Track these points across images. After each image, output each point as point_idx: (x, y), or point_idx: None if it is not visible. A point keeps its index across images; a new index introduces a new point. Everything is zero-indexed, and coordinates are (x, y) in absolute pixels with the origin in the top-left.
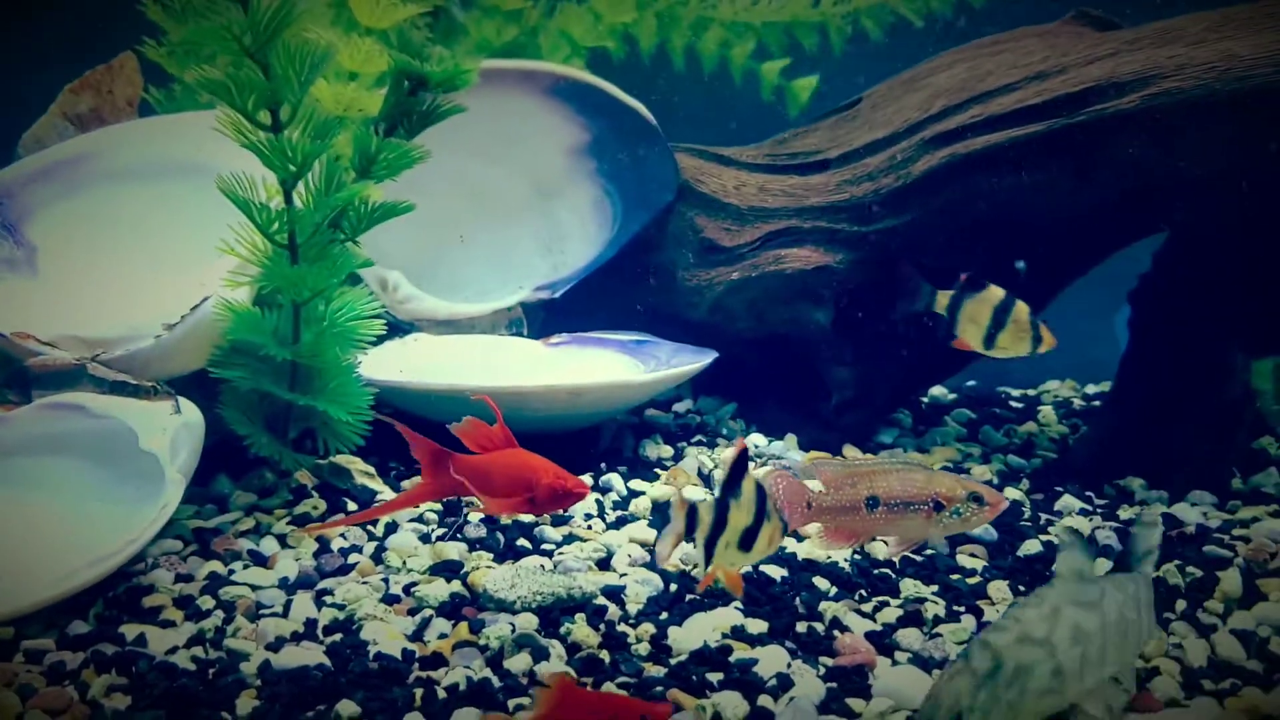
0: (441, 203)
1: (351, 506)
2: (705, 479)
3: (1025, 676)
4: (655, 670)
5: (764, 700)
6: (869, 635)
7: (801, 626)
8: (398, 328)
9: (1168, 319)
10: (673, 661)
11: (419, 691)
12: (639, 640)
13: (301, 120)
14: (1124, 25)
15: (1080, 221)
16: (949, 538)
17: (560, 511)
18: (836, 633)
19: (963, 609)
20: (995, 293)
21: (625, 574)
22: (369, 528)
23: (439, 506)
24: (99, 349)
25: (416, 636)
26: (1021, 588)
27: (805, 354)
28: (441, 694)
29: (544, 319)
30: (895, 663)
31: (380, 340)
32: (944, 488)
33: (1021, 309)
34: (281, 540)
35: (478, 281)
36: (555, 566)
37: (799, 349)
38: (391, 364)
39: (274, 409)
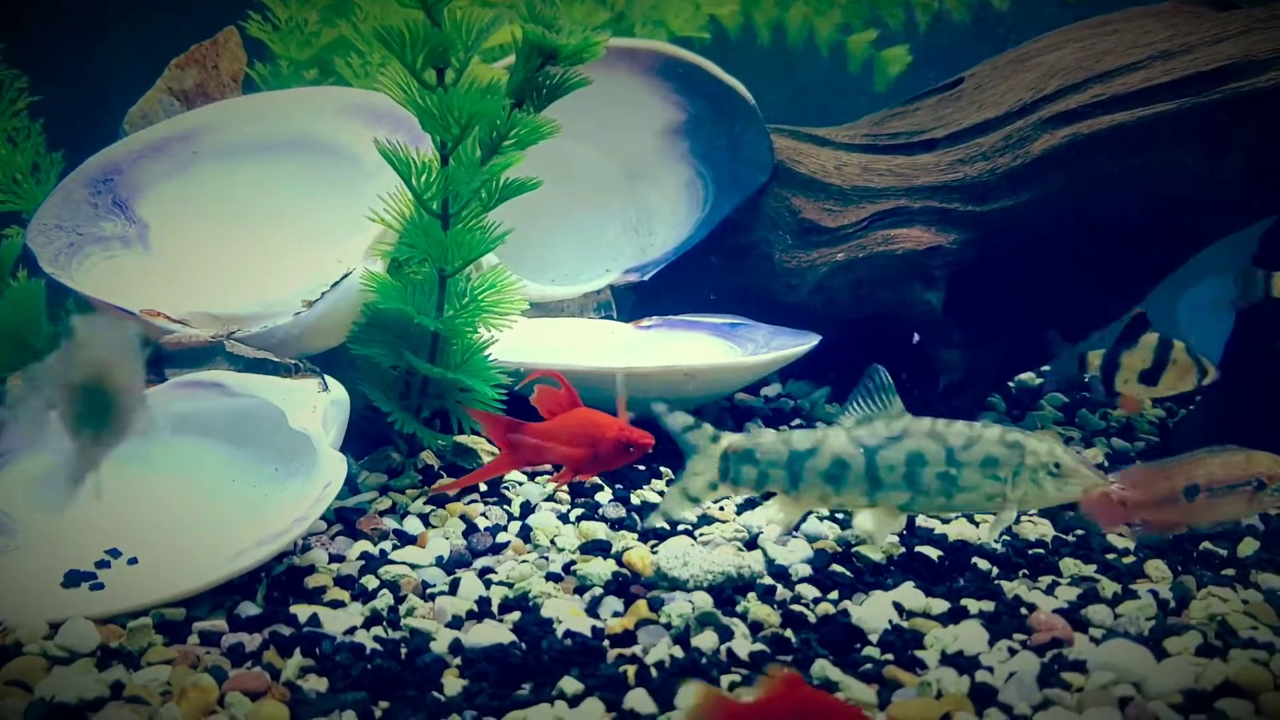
0: None
1: (483, 487)
2: None
3: None
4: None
5: (982, 676)
6: (1057, 612)
7: (986, 605)
8: None
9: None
10: (872, 639)
11: (631, 669)
12: (819, 620)
13: (464, 85)
14: (1242, 4)
15: (1202, 202)
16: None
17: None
18: (1023, 610)
19: (1133, 586)
20: None
21: (778, 555)
22: (506, 508)
23: (566, 486)
24: (232, 326)
25: (592, 614)
26: (1179, 566)
27: (909, 334)
28: (654, 671)
29: (634, 301)
30: (1093, 639)
31: None
32: (1265, 466)
33: None
34: (424, 520)
35: (565, 263)
36: (705, 546)
37: (902, 330)
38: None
39: (406, 389)
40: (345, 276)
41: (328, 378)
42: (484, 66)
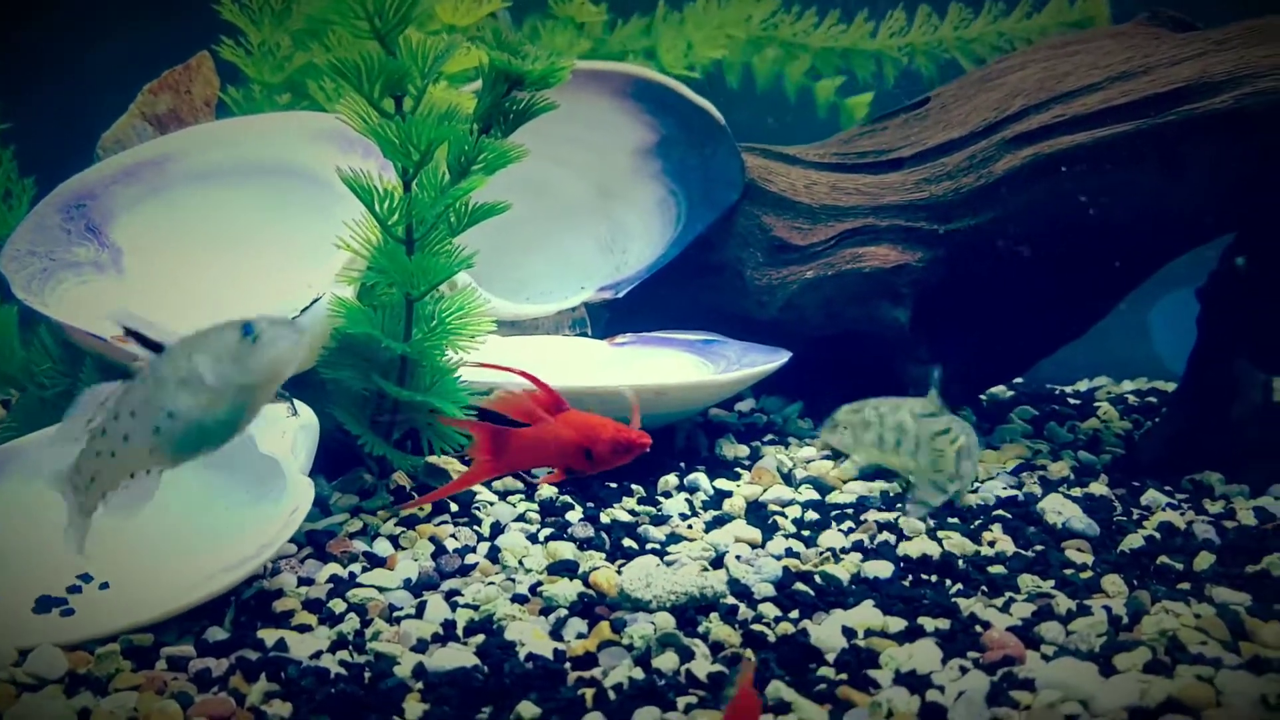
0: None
1: (454, 507)
2: (786, 477)
3: None
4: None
5: (933, 695)
6: (1010, 630)
7: (943, 623)
8: None
9: (1238, 315)
10: (829, 659)
11: (589, 691)
12: (779, 640)
13: (423, 111)
14: (1200, 26)
15: (1161, 220)
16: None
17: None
18: (978, 628)
19: (1088, 602)
20: None
21: (743, 574)
22: (476, 528)
23: (537, 505)
24: None
25: (555, 636)
26: (1135, 580)
27: (878, 351)
28: (611, 694)
29: (608, 319)
30: (1044, 657)
31: None
32: None
33: None
34: (394, 541)
35: (539, 282)
36: (671, 566)
37: (871, 346)
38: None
39: (377, 411)
40: (315, 301)
41: (297, 402)
42: (451, 91)
